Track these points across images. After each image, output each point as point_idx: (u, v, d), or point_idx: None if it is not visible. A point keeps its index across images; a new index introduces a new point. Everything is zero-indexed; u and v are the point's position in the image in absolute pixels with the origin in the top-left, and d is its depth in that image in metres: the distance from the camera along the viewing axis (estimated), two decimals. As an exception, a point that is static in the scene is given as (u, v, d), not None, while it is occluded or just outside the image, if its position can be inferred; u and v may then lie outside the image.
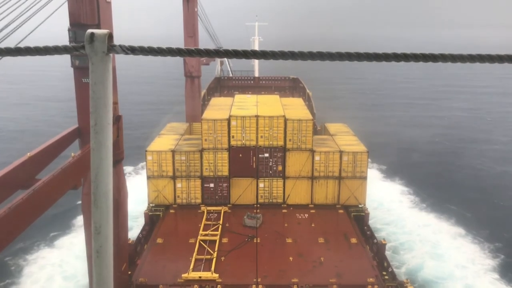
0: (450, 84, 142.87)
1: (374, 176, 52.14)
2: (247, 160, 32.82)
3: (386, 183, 52.23)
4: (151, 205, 33.12)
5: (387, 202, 45.71)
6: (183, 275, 24.05)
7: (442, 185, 53.94)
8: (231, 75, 75.46)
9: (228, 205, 32.92)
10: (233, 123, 32.32)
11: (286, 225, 30.78)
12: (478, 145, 72.16)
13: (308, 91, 63.44)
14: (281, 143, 32.66)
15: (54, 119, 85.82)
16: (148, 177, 33.00)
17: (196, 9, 49.51)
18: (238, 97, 41.13)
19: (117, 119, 21.53)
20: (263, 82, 69.45)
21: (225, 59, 65.60)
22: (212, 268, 24.72)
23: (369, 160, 56.81)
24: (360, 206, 33.33)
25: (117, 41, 2.67)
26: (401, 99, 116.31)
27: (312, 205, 33.26)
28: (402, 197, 48.59)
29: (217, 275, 24.19)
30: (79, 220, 41.01)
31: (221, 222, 30.40)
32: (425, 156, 66.13)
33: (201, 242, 27.56)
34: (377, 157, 58.95)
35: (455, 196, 49.88)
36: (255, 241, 26.44)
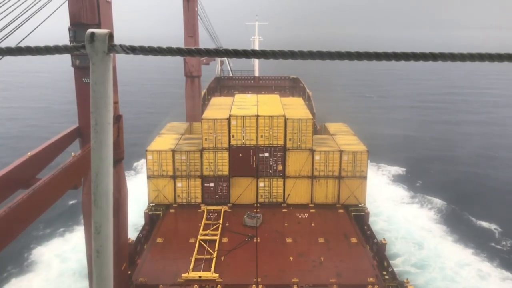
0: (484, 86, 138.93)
1: (396, 196, 48.69)
2: (247, 160, 32.83)
3: (412, 206, 46.77)
4: (151, 204, 33.14)
5: (416, 230, 40.06)
6: (183, 275, 24.06)
7: (475, 205, 47.56)
8: (231, 74, 75.48)
9: (228, 205, 32.93)
10: (233, 122, 32.33)
11: (286, 224, 30.79)
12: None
13: (308, 91, 63.43)
14: (281, 142, 32.67)
15: (44, 122, 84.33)
16: (148, 177, 33.01)
17: (196, 9, 49.50)
18: (238, 97, 41.14)
19: (118, 119, 21.54)
20: (263, 81, 69.45)
21: (225, 58, 65.77)
22: (212, 268, 24.72)
23: (392, 179, 54.19)
24: (360, 205, 33.33)
25: (116, 41, 2.67)
26: (421, 102, 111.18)
27: (312, 205, 33.27)
28: (431, 224, 42.42)
29: (217, 274, 24.20)
30: (34, 254, 36.38)
31: (221, 221, 30.41)
32: (453, 169, 59.25)
33: (201, 242, 27.57)
34: (396, 168, 56.55)
35: (492, 218, 43.55)
36: (255, 240, 26.45)
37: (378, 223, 39.89)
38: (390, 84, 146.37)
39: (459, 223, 42.95)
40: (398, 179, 54.51)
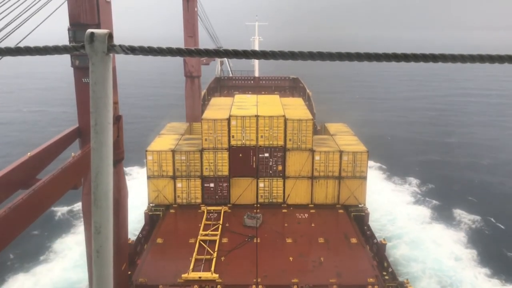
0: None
1: (419, 214, 44.02)
2: (247, 160, 32.83)
3: (436, 226, 41.66)
4: (151, 205, 33.14)
5: (444, 257, 35.31)
6: (183, 275, 24.06)
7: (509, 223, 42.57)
8: (231, 75, 75.48)
9: (228, 205, 32.93)
10: (233, 123, 32.33)
11: (286, 225, 30.79)
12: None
13: (308, 91, 63.45)
14: (281, 143, 32.68)
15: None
16: (148, 177, 33.01)
17: (196, 9, 49.52)
18: (238, 97, 41.16)
19: (118, 119, 21.56)
20: (263, 82, 69.49)
21: (225, 59, 65.71)
22: (212, 268, 24.72)
23: (412, 194, 49.78)
24: (360, 206, 33.33)
25: (116, 42, 2.67)
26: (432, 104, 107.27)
27: (312, 205, 33.27)
28: (460, 248, 37.23)
29: (217, 275, 24.20)
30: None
31: (221, 222, 30.41)
32: (482, 180, 54.33)
33: (201, 242, 27.57)
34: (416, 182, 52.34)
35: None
36: (255, 241, 26.44)
37: (400, 248, 36.00)
38: (404, 87, 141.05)
39: (493, 248, 37.94)
40: (418, 193, 49.86)
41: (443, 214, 44.36)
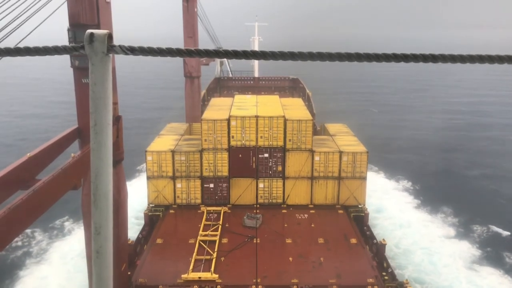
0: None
1: (461, 252, 36.82)
2: (247, 161, 32.83)
3: (484, 270, 34.36)
4: (150, 205, 33.13)
5: None
6: (182, 276, 24.05)
7: None
8: (230, 75, 75.47)
9: (228, 205, 32.93)
10: (232, 123, 32.34)
11: (285, 225, 30.78)
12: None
13: (308, 91, 63.49)
14: (280, 143, 32.68)
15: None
16: (148, 178, 33.00)
17: (195, 9, 49.56)
18: (238, 97, 41.16)
19: (117, 120, 21.55)
20: (263, 82, 69.53)
21: (225, 59, 65.75)
22: (212, 269, 24.72)
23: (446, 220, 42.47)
24: (359, 206, 33.32)
25: (116, 42, 2.67)
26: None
27: (311, 206, 33.26)
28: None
29: (216, 275, 24.19)
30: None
31: (221, 222, 30.40)
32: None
33: (201, 243, 27.56)
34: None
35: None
36: (254, 241, 26.43)
37: None
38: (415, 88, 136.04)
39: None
40: (456, 222, 42.54)
41: (491, 249, 37.63)
